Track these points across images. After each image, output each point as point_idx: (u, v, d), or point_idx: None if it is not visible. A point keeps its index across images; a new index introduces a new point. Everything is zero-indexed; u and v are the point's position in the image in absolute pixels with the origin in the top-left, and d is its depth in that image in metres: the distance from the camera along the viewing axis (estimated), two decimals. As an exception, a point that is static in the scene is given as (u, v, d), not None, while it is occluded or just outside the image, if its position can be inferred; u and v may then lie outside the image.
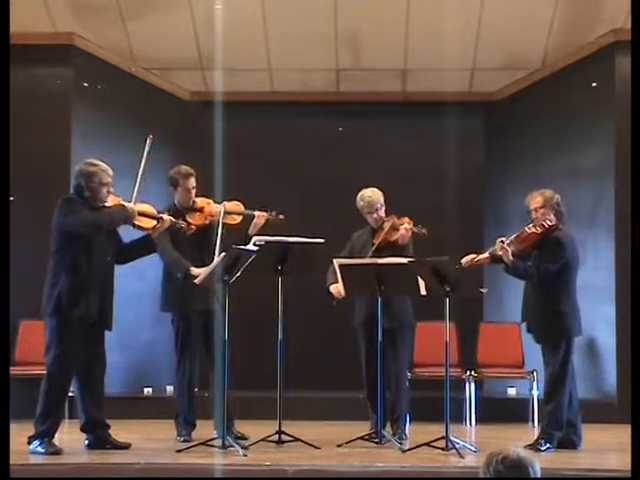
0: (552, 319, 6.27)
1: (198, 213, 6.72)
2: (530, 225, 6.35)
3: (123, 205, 6.09)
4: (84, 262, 5.94)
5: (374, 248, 6.65)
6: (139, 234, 6.33)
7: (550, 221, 6.31)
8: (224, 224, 6.59)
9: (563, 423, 6.24)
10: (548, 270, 6.24)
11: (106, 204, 6.10)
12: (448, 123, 9.30)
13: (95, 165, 6.11)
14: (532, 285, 6.34)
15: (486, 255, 6.42)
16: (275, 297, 6.32)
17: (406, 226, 6.62)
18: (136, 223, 6.15)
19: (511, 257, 6.26)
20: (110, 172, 6.12)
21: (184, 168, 6.83)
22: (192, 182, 6.76)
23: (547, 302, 6.28)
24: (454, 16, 8.44)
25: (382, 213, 6.79)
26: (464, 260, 6.38)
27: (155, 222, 6.22)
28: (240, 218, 6.75)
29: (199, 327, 6.65)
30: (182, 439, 6.50)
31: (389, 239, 6.68)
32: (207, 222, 6.68)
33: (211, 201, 6.81)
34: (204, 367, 6.81)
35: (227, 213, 6.66)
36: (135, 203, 6.16)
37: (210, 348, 6.59)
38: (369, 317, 6.65)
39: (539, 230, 6.31)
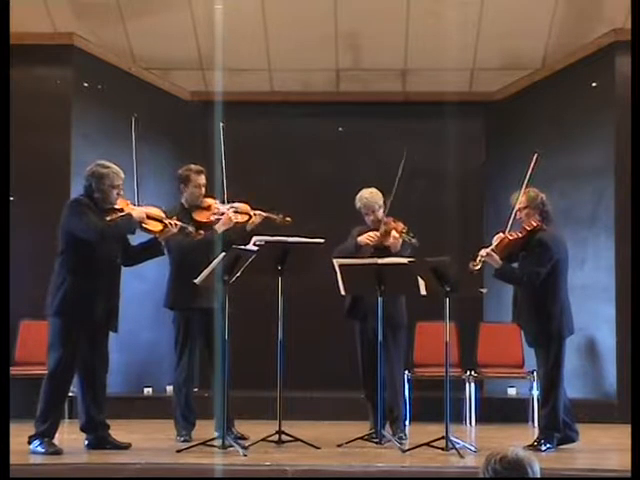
0: (541, 322, 6.25)
1: (205, 211, 6.75)
2: (512, 231, 6.28)
3: (131, 215, 6.07)
4: (90, 264, 5.94)
5: (371, 249, 6.65)
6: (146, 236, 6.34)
7: (533, 222, 6.27)
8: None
9: (560, 423, 6.24)
10: (539, 274, 6.18)
11: (115, 207, 6.11)
12: (448, 123, 9.30)
13: (107, 167, 6.10)
14: (524, 289, 6.31)
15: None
16: (275, 297, 6.32)
17: (394, 234, 6.59)
18: (144, 226, 6.16)
19: (499, 261, 6.22)
20: (122, 175, 6.11)
21: (195, 165, 6.89)
22: (203, 179, 6.80)
23: (535, 305, 6.25)
24: (454, 16, 8.44)
25: (380, 214, 6.76)
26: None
27: (162, 225, 6.22)
28: (247, 218, 6.77)
29: (201, 326, 6.65)
30: (182, 439, 6.50)
31: (383, 243, 6.67)
32: (214, 220, 6.70)
33: (217, 201, 6.83)
34: (205, 367, 6.80)
35: (236, 212, 6.71)
36: (140, 205, 6.18)
37: (213, 347, 6.58)
38: (363, 312, 6.66)
39: (521, 234, 6.25)
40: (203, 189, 6.80)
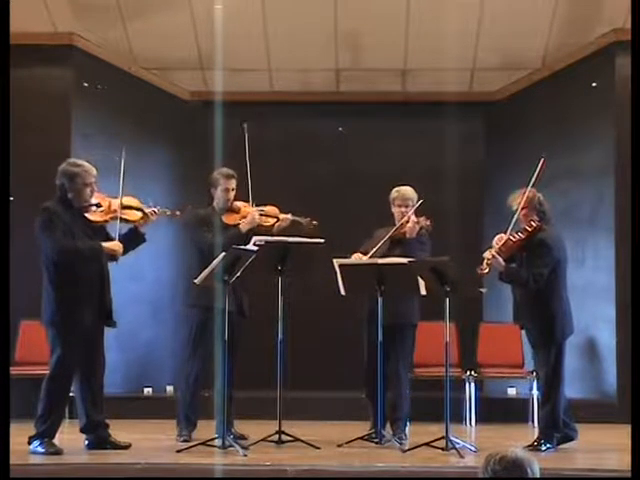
0: (543, 322, 6.26)
1: (235, 214, 6.74)
2: (514, 232, 6.29)
3: (101, 245, 6.00)
4: (72, 271, 5.90)
5: (385, 239, 6.64)
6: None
7: (533, 222, 6.27)
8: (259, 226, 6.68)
9: (561, 424, 6.25)
10: (542, 274, 6.18)
11: (92, 202, 6.08)
12: (448, 123, 9.30)
13: (78, 166, 6.07)
14: (524, 289, 6.31)
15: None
16: (275, 297, 6.32)
17: (413, 218, 6.61)
18: (122, 217, 6.14)
19: (503, 263, 6.22)
20: (93, 172, 6.06)
21: (226, 169, 6.86)
22: (232, 183, 6.79)
23: (537, 305, 6.26)
24: (454, 16, 8.44)
25: (411, 213, 6.76)
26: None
27: (141, 214, 6.22)
28: (274, 220, 6.76)
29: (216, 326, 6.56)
30: (182, 439, 6.48)
31: (400, 230, 6.68)
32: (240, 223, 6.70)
33: (248, 204, 6.81)
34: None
35: (263, 216, 6.71)
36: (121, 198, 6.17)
37: (231, 348, 6.52)
38: (370, 311, 6.65)
39: (524, 235, 6.25)
40: (232, 193, 6.78)
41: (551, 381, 6.25)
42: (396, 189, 6.84)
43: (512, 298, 6.51)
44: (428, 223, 6.61)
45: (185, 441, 6.41)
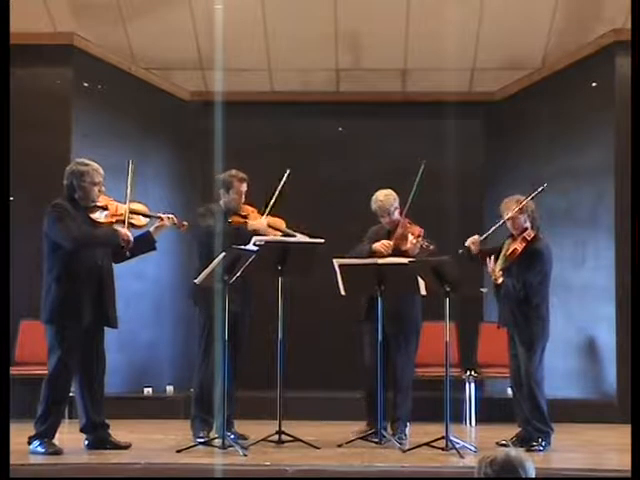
0: (536, 324, 6.32)
1: (243, 219, 6.70)
2: (512, 243, 6.35)
3: (116, 231, 6.03)
4: (74, 269, 5.91)
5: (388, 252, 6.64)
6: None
7: (530, 231, 6.33)
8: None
9: (548, 419, 6.29)
10: (532, 283, 6.28)
11: (97, 204, 6.10)
12: (448, 123, 9.30)
13: (86, 165, 6.10)
14: (515, 295, 6.34)
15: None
16: (275, 297, 6.31)
17: (412, 240, 6.56)
18: (129, 221, 6.13)
19: (500, 280, 6.31)
20: (101, 172, 6.10)
21: (236, 172, 6.76)
22: (245, 187, 6.71)
23: (530, 309, 6.32)
24: (454, 16, 8.44)
25: (395, 216, 6.73)
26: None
27: (147, 220, 6.22)
28: (280, 235, 6.72)
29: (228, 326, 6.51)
30: (202, 440, 6.34)
31: (400, 247, 6.64)
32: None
33: (255, 210, 6.76)
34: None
35: (270, 228, 6.68)
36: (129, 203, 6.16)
37: (236, 346, 6.52)
38: (371, 312, 6.63)
39: (522, 245, 6.31)
40: (243, 197, 6.73)
41: (535, 380, 6.32)
42: (373, 201, 6.79)
43: (498, 303, 6.52)
44: (432, 247, 6.51)
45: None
